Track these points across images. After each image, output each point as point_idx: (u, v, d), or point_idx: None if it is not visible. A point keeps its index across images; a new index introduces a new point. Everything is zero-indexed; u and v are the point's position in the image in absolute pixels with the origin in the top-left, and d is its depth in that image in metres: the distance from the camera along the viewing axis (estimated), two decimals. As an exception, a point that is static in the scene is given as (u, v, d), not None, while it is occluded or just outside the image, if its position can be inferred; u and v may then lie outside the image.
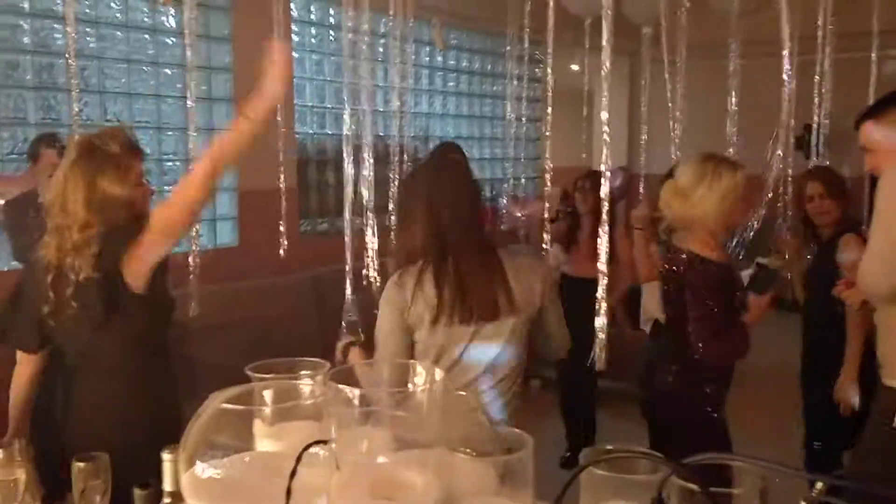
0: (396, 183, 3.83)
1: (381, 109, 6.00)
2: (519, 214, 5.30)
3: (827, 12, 4.15)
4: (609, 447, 0.92)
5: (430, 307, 2.07)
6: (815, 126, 4.57)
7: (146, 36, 4.83)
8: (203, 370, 2.74)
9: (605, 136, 1.52)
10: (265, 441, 1.11)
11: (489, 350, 2.10)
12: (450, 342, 2.10)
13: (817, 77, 4.37)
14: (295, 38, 5.51)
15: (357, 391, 0.97)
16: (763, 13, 4.88)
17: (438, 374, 1.03)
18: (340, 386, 0.97)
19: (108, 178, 2.12)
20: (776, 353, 3.92)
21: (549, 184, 3.76)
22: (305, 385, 1.12)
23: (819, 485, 0.82)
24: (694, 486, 0.83)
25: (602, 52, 1.50)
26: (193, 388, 1.79)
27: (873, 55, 4.40)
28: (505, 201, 5.87)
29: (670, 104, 4.20)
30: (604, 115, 1.49)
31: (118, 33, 4.72)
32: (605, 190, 1.51)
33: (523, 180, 6.24)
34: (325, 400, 1.05)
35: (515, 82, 5.20)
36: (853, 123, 2.46)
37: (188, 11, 3.00)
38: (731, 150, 4.95)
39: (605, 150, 1.49)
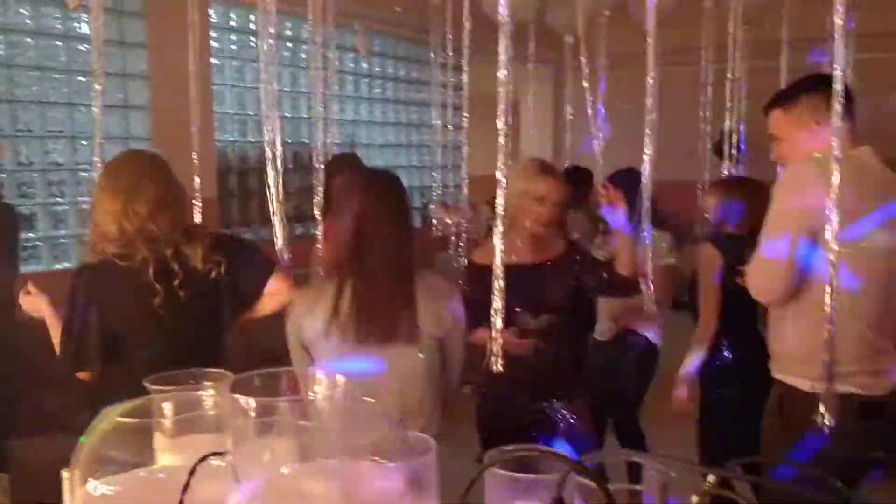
0: (322, 190, 3.79)
1: (306, 116, 5.95)
2: (449, 221, 5.28)
3: (737, 21, 4.28)
4: (510, 448, 0.91)
5: (324, 323, 2.07)
6: (727, 131, 4.69)
7: (58, 43, 4.68)
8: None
9: (501, 140, 1.54)
10: (166, 454, 1.07)
11: (388, 374, 1.99)
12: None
13: (728, 83, 4.50)
14: (214, 44, 5.42)
15: (253, 401, 0.94)
16: (680, 23, 5.02)
17: (340, 381, 1.01)
18: (237, 396, 0.94)
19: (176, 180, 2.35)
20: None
21: (465, 191, 3.79)
22: (207, 396, 1.08)
23: (711, 478, 0.83)
24: (593, 484, 0.84)
25: (499, 61, 1.52)
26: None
27: (783, 63, 4.56)
28: (434, 209, 5.85)
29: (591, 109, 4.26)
30: (499, 123, 1.50)
31: (28, 40, 4.57)
32: (500, 199, 1.51)
33: (452, 188, 6.26)
34: (224, 411, 1.01)
35: (441, 89, 5.21)
36: (763, 114, 2.48)
37: (95, 17, 2.91)
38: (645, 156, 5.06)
39: (500, 157, 1.50)
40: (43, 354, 2.40)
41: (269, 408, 0.95)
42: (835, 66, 1.71)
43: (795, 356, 2.23)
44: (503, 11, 1.51)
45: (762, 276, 2.24)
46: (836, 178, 1.71)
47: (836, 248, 1.78)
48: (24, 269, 4.20)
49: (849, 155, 1.97)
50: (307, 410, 0.99)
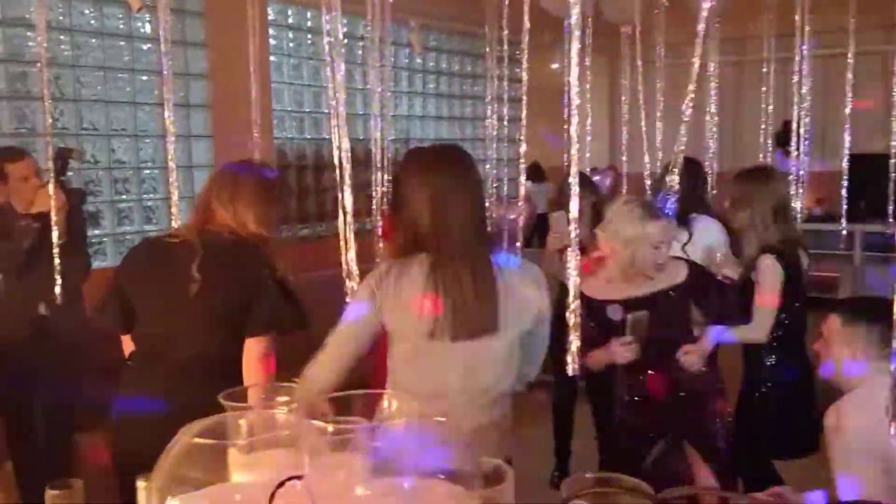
0: (378, 187, 3.82)
1: (361, 113, 5.98)
2: (513, 216, 5.20)
3: (804, 10, 4.17)
4: (589, 475, 0.90)
5: (414, 315, 1.90)
6: (794, 123, 4.58)
7: (122, 42, 4.78)
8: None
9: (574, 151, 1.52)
10: (240, 471, 1.08)
11: (476, 370, 1.94)
12: (435, 357, 1.92)
13: (795, 75, 4.38)
14: (272, 41, 5.47)
15: (330, 423, 0.95)
16: (741, 13, 4.91)
17: (414, 404, 1.01)
18: (313, 422, 0.95)
19: None
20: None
21: (522, 185, 3.75)
22: (280, 414, 1.10)
23: None
24: (675, 519, 0.82)
25: (566, 60, 1.49)
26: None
27: (850, 52, 4.42)
28: (489, 203, 5.79)
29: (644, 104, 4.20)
30: (572, 129, 1.48)
31: (93, 40, 4.67)
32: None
33: (506, 181, 6.23)
34: (299, 430, 1.02)
35: (496, 83, 5.17)
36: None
37: (163, 18, 2.95)
38: (711, 144, 4.99)
39: (573, 170, 1.48)
40: (107, 348, 2.47)
41: (344, 428, 0.95)
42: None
43: None
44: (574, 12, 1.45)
45: None
46: None
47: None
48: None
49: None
50: (379, 431, 0.99)
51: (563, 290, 4.19)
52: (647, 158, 4.45)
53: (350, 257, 2.57)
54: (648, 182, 4.13)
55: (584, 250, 3.04)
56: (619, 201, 2.87)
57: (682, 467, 2.79)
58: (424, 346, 1.92)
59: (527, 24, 2.98)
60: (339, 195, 2.68)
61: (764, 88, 5.06)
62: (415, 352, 1.95)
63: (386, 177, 3.99)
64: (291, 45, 5.72)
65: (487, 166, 5.47)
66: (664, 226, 2.71)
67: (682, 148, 2.41)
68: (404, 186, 2.06)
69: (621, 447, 2.95)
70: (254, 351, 2.20)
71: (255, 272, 2.24)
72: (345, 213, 2.60)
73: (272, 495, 0.87)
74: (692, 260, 3.03)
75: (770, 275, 3.15)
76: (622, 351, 2.66)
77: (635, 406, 2.87)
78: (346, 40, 5.92)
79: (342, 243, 2.70)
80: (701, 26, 1.82)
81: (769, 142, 5.00)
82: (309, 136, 5.85)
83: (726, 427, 2.88)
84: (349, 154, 2.55)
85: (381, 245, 3.57)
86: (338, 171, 2.74)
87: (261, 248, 2.29)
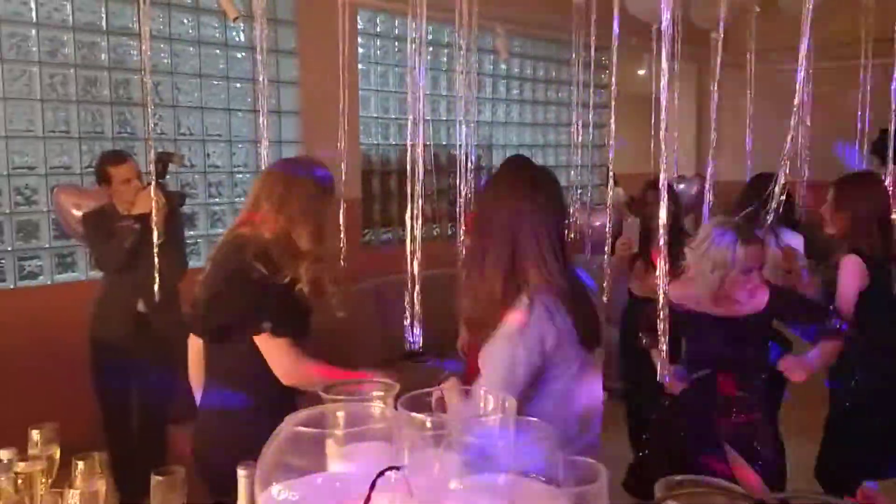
0: (462, 191, 3.85)
1: (445, 119, 6.05)
2: (597, 224, 5.17)
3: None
4: (680, 478, 0.90)
5: (569, 336, 1.89)
6: (892, 130, 4.41)
7: (217, 51, 4.96)
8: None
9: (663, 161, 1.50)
10: (337, 461, 1.12)
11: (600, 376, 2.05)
12: (584, 371, 1.94)
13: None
14: (361, 49, 5.59)
15: (429, 418, 0.98)
16: (836, 16, 4.77)
17: (510, 401, 1.04)
18: (413, 414, 0.99)
19: None
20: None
21: (611, 192, 3.72)
22: (377, 407, 1.14)
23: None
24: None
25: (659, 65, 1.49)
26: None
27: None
28: (573, 210, 5.77)
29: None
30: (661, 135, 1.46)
31: (190, 49, 4.86)
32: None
33: (590, 188, 6.18)
34: (396, 423, 1.06)
35: (581, 88, 5.15)
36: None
37: (260, 28, 3.06)
38: (805, 153, 4.84)
39: (662, 176, 1.46)
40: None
41: (440, 423, 0.99)
42: None
43: None
44: (665, 19, 1.46)
45: None
46: None
47: None
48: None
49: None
50: (474, 427, 1.02)
51: (632, 298, 4.17)
52: (709, 165, 4.34)
53: (415, 264, 2.60)
54: (709, 194, 4.03)
55: (653, 260, 3.00)
56: (712, 222, 2.80)
57: (718, 469, 2.74)
58: (583, 359, 1.95)
59: (616, 31, 2.97)
60: (409, 204, 2.69)
61: (860, 94, 4.90)
62: (579, 367, 1.94)
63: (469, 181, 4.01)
64: (379, 52, 5.83)
65: (571, 172, 5.46)
66: (756, 250, 2.64)
67: (787, 158, 2.35)
68: (491, 218, 2.01)
69: (658, 444, 2.90)
70: (269, 353, 2.29)
71: (233, 267, 2.23)
72: (413, 220, 2.64)
73: (373, 483, 0.91)
74: (774, 284, 2.94)
75: (850, 272, 3.02)
76: (674, 384, 2.71)
77: (675, 404, 2.83)
78: (430, 47, 6.02)
79: (408, 249, 2.72)
80: (805, 28, 1.77)
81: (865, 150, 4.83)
82: (394, 142, 5.95)
83: (765, 431, 2.81)
84: (422, 160, 2.59)
85: (462, 245, 3.60)
86: (409, 177, 2.77)
87: (264, 249, 2.23)
